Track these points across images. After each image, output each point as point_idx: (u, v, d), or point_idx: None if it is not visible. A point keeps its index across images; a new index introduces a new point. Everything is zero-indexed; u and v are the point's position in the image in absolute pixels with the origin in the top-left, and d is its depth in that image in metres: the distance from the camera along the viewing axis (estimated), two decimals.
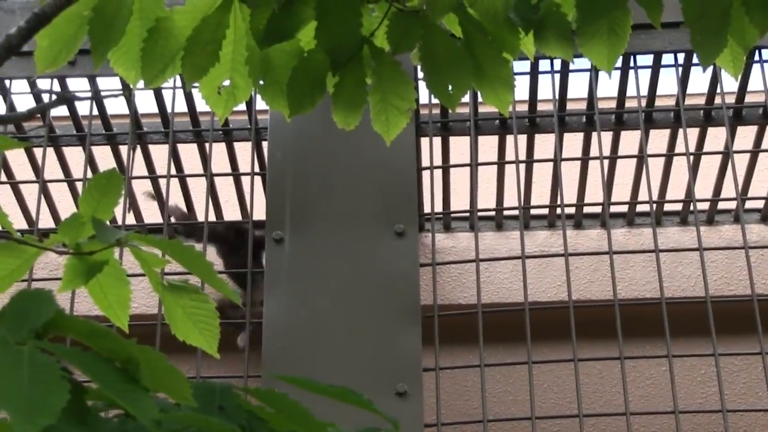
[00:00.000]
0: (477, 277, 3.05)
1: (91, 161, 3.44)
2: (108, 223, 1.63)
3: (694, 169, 3.55)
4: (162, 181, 3.48)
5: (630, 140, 3.77)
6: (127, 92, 3.06)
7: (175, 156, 3.46)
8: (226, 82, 1.84)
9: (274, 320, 2.79)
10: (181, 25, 1.77)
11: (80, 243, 1.63)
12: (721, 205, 3.93)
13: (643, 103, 3.56)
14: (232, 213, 3.91)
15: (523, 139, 3.57)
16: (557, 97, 3.47)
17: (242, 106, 2.43)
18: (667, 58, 3.47)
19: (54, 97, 3.08)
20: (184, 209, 3.71)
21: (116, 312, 1.68)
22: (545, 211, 3.96)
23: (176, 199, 3.59)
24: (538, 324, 3.19)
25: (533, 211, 3.97)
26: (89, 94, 3.15)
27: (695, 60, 3.48)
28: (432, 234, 3.17)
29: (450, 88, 1.74)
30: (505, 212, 3.91)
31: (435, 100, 2.74)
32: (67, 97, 1.85)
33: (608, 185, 3.68)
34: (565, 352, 3.21)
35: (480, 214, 3.62)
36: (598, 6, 1.57)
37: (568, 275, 3.09)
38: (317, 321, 2.80)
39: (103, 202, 1.63)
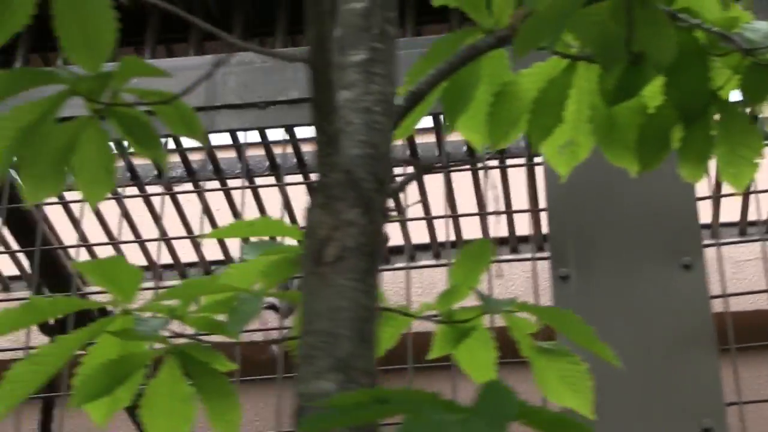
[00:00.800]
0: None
1: None
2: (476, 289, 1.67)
3: None
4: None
5: None
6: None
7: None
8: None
9: None
10: (526, 88, 1.79)
11: (451, 311, 1.67)
12: None
13: None
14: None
15: None
16: None
17: None
18: None
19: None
20: None
21: (482, 372, 1.71)
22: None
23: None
24: None
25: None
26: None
27: None
28: (720, 266, 3.11)
29: None
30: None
31: None
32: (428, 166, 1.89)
33: None
34: None
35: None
36: None
37: None
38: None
39: (473, 269, 1.66)
